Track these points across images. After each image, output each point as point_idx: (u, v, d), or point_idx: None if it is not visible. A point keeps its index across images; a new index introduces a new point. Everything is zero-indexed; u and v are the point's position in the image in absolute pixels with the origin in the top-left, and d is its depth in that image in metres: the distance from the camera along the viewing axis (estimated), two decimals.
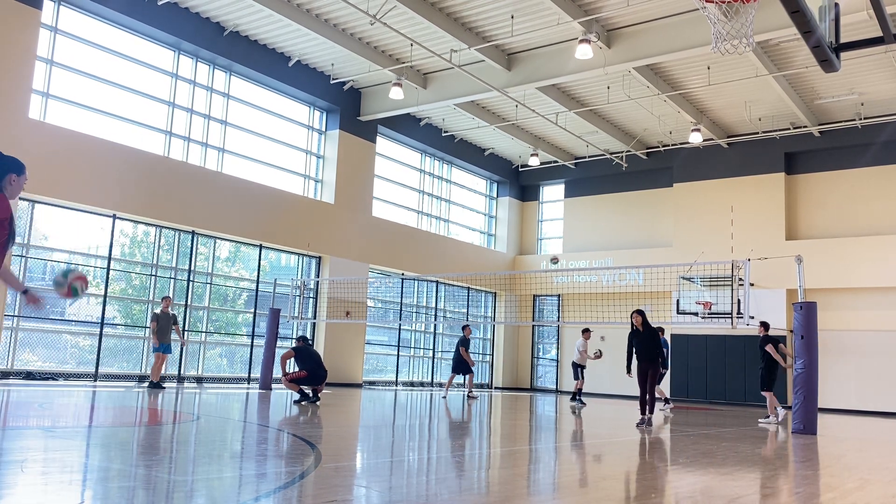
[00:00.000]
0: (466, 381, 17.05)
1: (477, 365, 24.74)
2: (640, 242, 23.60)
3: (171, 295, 16.29)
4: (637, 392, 11.19)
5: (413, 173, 22.99)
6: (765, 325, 13.21)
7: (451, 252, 23.02)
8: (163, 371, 14.14)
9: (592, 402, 18.96)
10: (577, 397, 16.71)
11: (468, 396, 16.81)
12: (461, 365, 16.53)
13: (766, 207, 21.30)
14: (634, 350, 10.95)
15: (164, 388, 13.83)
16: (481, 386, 24.74)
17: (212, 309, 17.44)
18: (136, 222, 15.90)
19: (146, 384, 13.94)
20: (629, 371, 11.08)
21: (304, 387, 11.83)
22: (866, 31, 11.65)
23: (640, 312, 10.94)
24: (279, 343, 17.06)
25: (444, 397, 16.67)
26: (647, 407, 10.90)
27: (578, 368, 16.85)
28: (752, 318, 17.09)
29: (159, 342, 13.88)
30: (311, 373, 11.80)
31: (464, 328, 16.99)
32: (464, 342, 16.53)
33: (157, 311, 14.31)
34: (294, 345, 12.27)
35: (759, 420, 13.25)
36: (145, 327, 15.75)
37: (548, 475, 5.57)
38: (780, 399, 20.34)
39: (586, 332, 17.16)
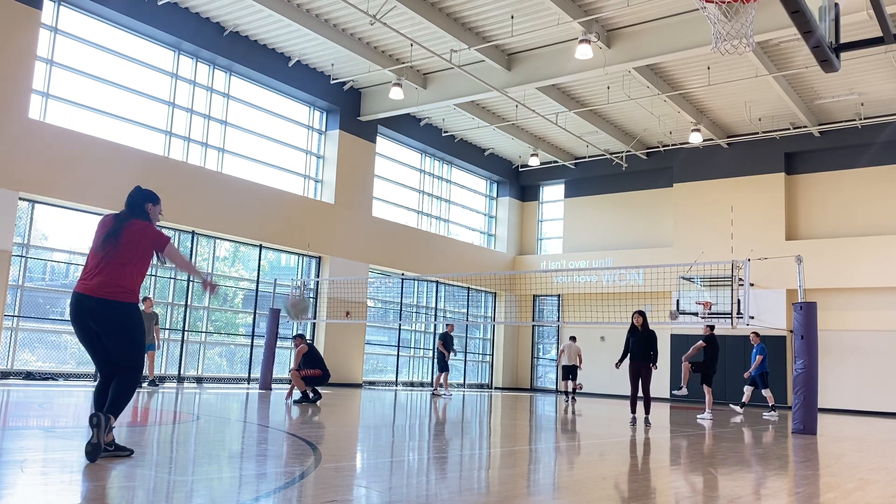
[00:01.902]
0: (440, 378, 17.17)
1: (477, 365, 24.80)
2: (640, 242, 23.61)
3: (170, 294, 16.32)
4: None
5: (413, 173, 22.99)
6: (710, 327, 13.85)
7: (451, 252, 23.02)
8: (153, 371, 14.04)
9: (592, 402, 18.98)
10: (569, 394, 18.18)
11: (433, 394, 17.05)
12: (440, 362, 16.99)
13: (766, 207, 21.30)
14: (630, 349, 11.11)
15: (157, 386, 13.82)
16: (481, 386, 24.76)
17: (211, 309, 17.44)
18: None
19: (146, 384, 13.91)
20: (619, 365, 11.31)
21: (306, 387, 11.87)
22: (866, 31, 11.64)
23: (642, 313, 11.18)
24: (279, 343, 17.06)
25: (444, 396, 16.72)
26: (645, 407, 11.01)
27: (576, 370, 18.18)
28: (752, 318, 17.12)
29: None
30: (323, 373, 11.93)
31: (447, 325, 17.45)
32: (441, 337, 16.95)
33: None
34: (300, 342, 12.28)
35: (698, 416, 13.39)
36: None
37: (548, 475, 5.57)
38: (779, 399, 20.40)
39: (574, 338, 18.68)
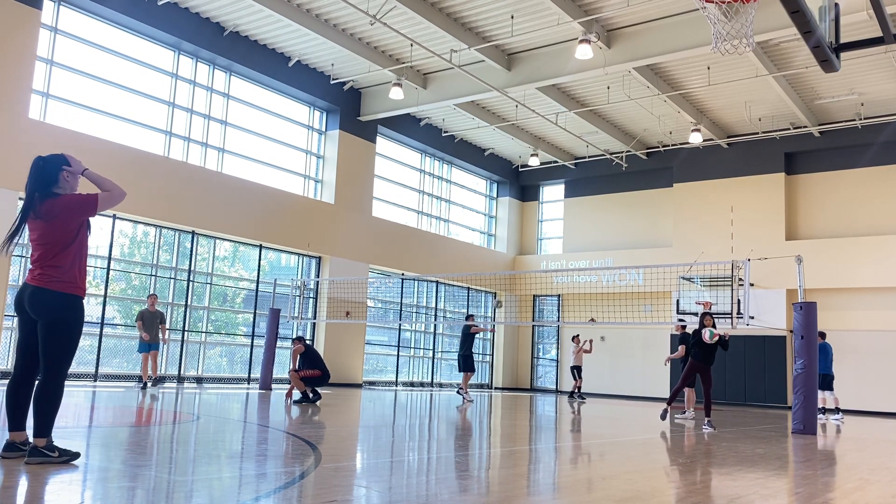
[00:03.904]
0: (466, 379, 16.32)
1: (477, 365, 24.69)
2: (640, 242, 23.61)
3: (170, 294, 16.31)
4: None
5: (413, 173, 22.99)
6: (683, 326, 13.99)
7: (451, 252, 23.02)
8: (156, 370, 13.87)
9: (593, 401, 18.99)
10: (576, 394, 18.81)
11: (463, 399, 15.99)
12: (465, 362, 15.76)
13: (766, 207, 21.30)
14: (697, 353, 11.13)
15: (156, 387, 13.72)
16: (481, 386, 24.75)
17: (211, 309, 17.44)
18: (136, 222, 15.90)
19: (140, 385, 13.81)
20: (673, 359, 11.38)
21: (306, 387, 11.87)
22: (866, 31, 11.65)
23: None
24: (279, 343, 17.06)
25: (467, 399, 15.47)
26: (707, 410, 10.91)
27: (575, 370, 18.99)
28: (752, 318, 17.10)
29: (143, 340, 13.55)
30: (323, 373, 11.93)
31: (467, 317, 16.28)
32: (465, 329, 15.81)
33: (143, 309, 13.91)
34: (298, 343, 12.26)
35: (676, 416, 13.32)
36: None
37: (548, 475, 5.57)
38: (779, 399, 20.42)
39: (576, 337, 19.58)
